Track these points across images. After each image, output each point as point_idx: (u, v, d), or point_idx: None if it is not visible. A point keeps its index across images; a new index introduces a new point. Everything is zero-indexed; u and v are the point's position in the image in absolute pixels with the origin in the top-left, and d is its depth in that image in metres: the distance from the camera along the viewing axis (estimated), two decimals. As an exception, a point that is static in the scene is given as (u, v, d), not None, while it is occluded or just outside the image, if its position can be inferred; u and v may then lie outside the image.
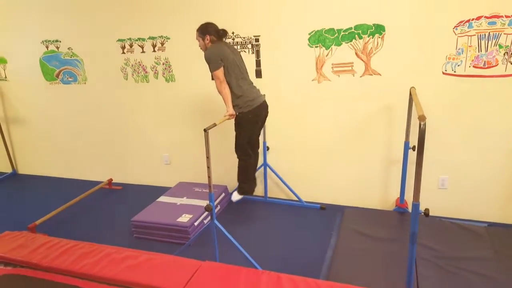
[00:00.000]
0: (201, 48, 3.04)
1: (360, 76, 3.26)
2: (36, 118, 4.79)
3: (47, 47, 4.33)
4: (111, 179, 4.50)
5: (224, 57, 2.86)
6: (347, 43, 3.21)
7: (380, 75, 3.20)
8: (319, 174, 3.68)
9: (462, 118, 3.08)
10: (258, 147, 3.39)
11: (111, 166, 4.60)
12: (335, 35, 3.22)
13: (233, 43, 3.55)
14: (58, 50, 4.30)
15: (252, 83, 3.13)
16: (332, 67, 3.31)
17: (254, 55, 3.52)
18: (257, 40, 3.47)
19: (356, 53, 3.22)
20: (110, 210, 3.93)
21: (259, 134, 3.36)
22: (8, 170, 5.16)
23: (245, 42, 3.51)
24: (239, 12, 3.45)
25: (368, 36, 3.14)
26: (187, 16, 3.62)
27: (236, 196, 3.41)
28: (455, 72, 2.99)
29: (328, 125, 3.49)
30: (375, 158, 3.44)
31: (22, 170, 5.18)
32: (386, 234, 2.96)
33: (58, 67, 4.38)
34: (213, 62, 2.84)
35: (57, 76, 4.43)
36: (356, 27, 3.15)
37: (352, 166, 3.54)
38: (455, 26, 2.89)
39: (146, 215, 3.36)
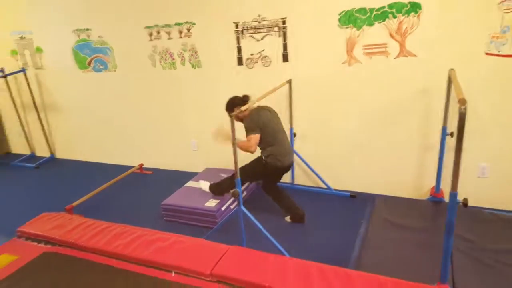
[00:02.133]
0: (239, 121, 3.07)
1: (394, 58, 3.12)
2: (71, 105, 4.95)
3: (78, 36, 4.43)
4: (142, 164, 4.60)
5: (264, 125, 2.98)
6: (380, 23, 3.08)
7: (416, 56, 3.05)
8: (349, 161, 3.59)
9: (506, 102, 2.89)
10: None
11: (141, 151, 4.69)
12: (367, 15, 3.09)
13: (258, 26, 3.48)
14: (89, 38, 4.39)
15: (287, 145, 3.14)
16: (363, 49, 3.19)
17: (281, 38, 3.44)
18: (284, 22, 3.39)
19: (389, 33, 3.07)
20: (141, 194, 4.03)
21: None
22: (47, 154, 5.39)
23: (272, 25, 3.44)
24: (265, -8, 3.37)
25: (403, 15, 2.99)
26: (211, 0, 3.58)
27: (204, 186, 3.49)
28: (499, 52, 2.79)
29: (358, 109, 3.39)
30: (409, 144, 3.31)
31: (60, 154, 5.40)
32: (419, 224, 2.86)
33: (90, 55, 4.48)
34: (251, 130, 2.95)
35: (89, 64, 4.53)
36: (390, 5, 3.00)
37: (384, 153, 3.43)
38: (500, 1, 2.69)
39: (175, 199, 3.41)
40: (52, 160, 5.35)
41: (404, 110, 3.23)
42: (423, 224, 2.86)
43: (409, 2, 2.93)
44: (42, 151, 5.46)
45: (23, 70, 4.94)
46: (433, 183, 3.24)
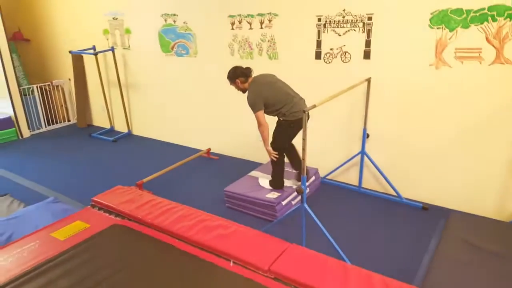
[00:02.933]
0: (239, 90, 3.28)
1: (489, 65, 2.83)
2: (150, 85, 5.23)
3: (165, 20, 4.63)
4: (209, 149, 4.74)
5: (265, 97, 3.11)
6: (477, 25, 2.80)
7: (515, 64, 2.74)
8: (425, 171, 3.36)
9: None
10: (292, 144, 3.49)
11: (211, 136, 4.83)
12: (463, 16, 2.83)
13: (342, 21, 3.35)
14: (174, 23, 4.57)
15: (297, 98, 3.20)
16: (455, 52, 2.94)
17: (364, 34, 3.29)
18: (369, 18, 3.23)
19: (486, 38, 2.79)
20: (206, 178, 4.16)
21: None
22: (124, 130, 5.78)
23: (356, 21, 3.29)
24: (353, -13, 3.24)
25: (505, 19, 2.69)
26: (298, -8, 3.53)
27: (266, 185, 3.46)
28: None
29: (442, 117, 3.14)
30: (495, 160, 3.01)
31: (136, 131, 5.76)
32: (499, 248, 2.58)
33: (174, 39, 4.67)
34: (254, 106, 3.11)
35: (172, 48, 4.73)
36: (491, 8, 2.72)
37: (466, 166, 3.15)
38: None
39: (238, 187, 3.46)
40: (129, 135, 5.72)
41: (494, 122, 2.93)
42: (503, 249, 2.58)
43: (515, 5, 2.63)
44: (121, 126, 5.86)
45: (112, 49, 5.31)
46: (519, 206, 2.93)
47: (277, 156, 3.27)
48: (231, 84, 3.26)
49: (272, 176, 3.44)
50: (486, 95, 2.91)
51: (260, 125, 3.13)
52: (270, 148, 3.26)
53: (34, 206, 3.23)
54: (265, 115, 3.16)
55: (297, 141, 3.17)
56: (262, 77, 3.26)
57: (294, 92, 3.25)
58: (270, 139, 3.28)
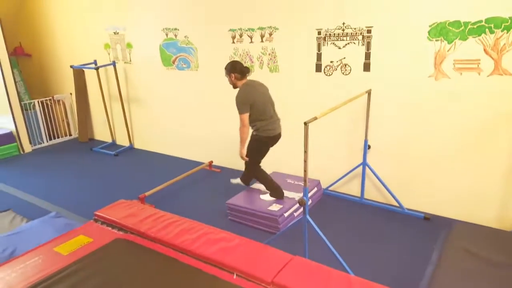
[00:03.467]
0: (230, 84, 3.37)
1: (487, 76, 2.87)
2: (152, 99, 5.27)
3: (166, 34, 4.70)
4: (211, 162, 4.75)
5: (253, 101, 3.20)
6: (475, 37, 2.85)
7: (513, 75, 2.78)
8: (426, 181, 3.37)
9: None
10: None
11: (212, 149, 4.84)
12: (461, 28, 2.88)
13: (342, 34, 3.41)
14: (176, 38, 4.63)
15: (275, 117, 3.39)
16: (453, 64, 2.97)
17: (364, 47, 3.34)
18: (369, 31, 3.28)
19: (484, 49, 2.84)
20: (208, 190, 4.16)
21: None
22: (126, 143, 5.80)
23: (356, 33, 3.34)
24: (351, 0, 3.29)
25: (502, 31, 2.74)
26: (296, 6, 3.58)
27: (267, 198, 3.50)
28: None
29: (443, 127, 3.16)
30: (496, 169, 3.02)
31: (138, 145, 5.78)
32: (502, 257, 2.58)
33: (175, 53, 4.73)
34: (241, 107, 3.21)
35: (173, 62, 4.78)
36: (488, 20, 2.77)
37: (467, 176, 3.17)
38: None
39: (240, 200, 3.47)
40: (131, 149, 5.74)
41: (494, 132, 2.96)
42: (505, 258, 2.58)
43: (510, 17, 2.68)
44: (122, 140, 5.88)
45: (113, 64, 5.37)
46: (522, 215, 2.93)
47: (246, 159, 3.44)
48: (226, 74, 3.34)
49: (266, 188, 3.54)
50: (485, 106, 2.94)
51: (244, 126, 3.23)
52: (244, 152, 3.38)
53: (36, 221, 3.22)
54: None
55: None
56: (257, 84, 3.35)
57: (275, 111, 3.41)
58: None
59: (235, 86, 3.34)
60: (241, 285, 2.00)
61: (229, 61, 4.23)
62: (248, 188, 3.72)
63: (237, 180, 3.76)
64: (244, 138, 3.29)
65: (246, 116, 3.21)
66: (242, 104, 3.19)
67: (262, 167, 3.55)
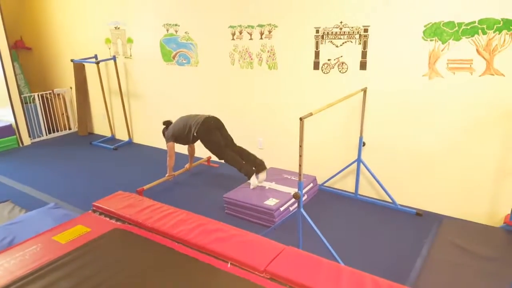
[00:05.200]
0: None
1: (479, 76, 2.93)
2: (151, 94, 5.32)
3: (167, 30, 4.75)
4: (209, 157, 4.80)
5: (175, 132, 3.99)
6: (468, 38, 2.91)
7: (504, 76, 2.84)
8: (419, 178, 3.44)
9: None
10: (234, 144, 3.96)
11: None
12: (455, 29, 2.94)
13: (339, 33, 3.46)
14: (176, 33, 4.68)
15: (196, 118, 3.88)
16: (447, 63, 3.04)
17: (360, 45, 3.40)
18: (366, 30, 3.34)
19: (477, 50, 2.90)
20: (206, 185, 4.22)
21: (228, 138, 3.93)
22: (125, 138, 5.85)
23: (353, 32, 3.40)
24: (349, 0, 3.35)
25: (494, 32, 2.80)
26: (296, 5, 3.64)
27: (252, 183, 3.66)
28: None
29: (435, 125, 3.23)
30: (486, 167, 3.09)
31: (137, 139, 5.83)
32: (488, 252, 2.66)
33: (175, 49, 4.78)
34: (166, 139, 4.10)
35: (174, 57, 4.84)
36: (481, 21, 2.83)
37: (458, 173, 3.23)
38: None
39: (237, 194, 3.53)
40: (130, 144, 5.79)
41: (484, 131, 3.02)
42: (493, 252, 2.65)
43: (502, 19, 2.74)
44: (121, 135, 5.93)
45: (113, 58, 5.41)
46: (509, 211, 2.99)
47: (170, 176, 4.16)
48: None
49: (239, 169, 3.76)
50: (476, 104, 3.00)
51: (169, 155, 4.06)
52: (170, 173, 4.16)
53: (35, 212, 3.27)
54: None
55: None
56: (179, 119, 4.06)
57: (196, 116, 3.92)
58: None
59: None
60: (235, 273, 2.05)
61: (228, 57, 4.31)
62: (245, 183, 3.78)
63: (253, 181, 3.69)
64: (170, 163, 4.09)
65: (170, 145, 4.01)
66: (167, 138, 4.06)
67: (231, 152, 3.84)
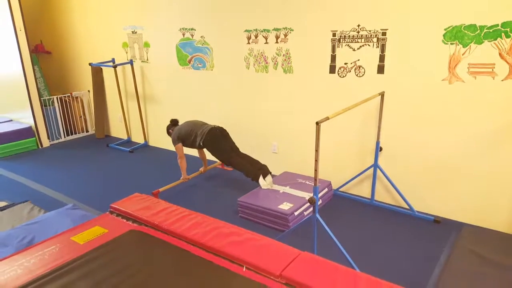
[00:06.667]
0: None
1: (502, 80, 2.87)
2: (167, 97, 5.37)
3: (183, 34, 4.79)
4: (224, 160, 4.81)
5: (180, 135, 4.07)
6: (490, 41, 2.85)
7: (528, 80, 2.77)
8: (437, 184, 3.37)
9: None
10: (239, 151, 4.05)
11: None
12: (477, 32, 2.88)
13: (357, 36, 3.44)
14: (192, 38, 4.72)
15: (204, 126, 4.03)
16: (468, 67, 2.98)
17: (378, 49, 3.36)
18: (384, 33, 3.30)
19: (500, 54, 2.83)
20: (220, 188, 4.23)
21: (234, 146, 4.04)
22: (141, 141, 5.91)
23: (370, 36, 3.37)
24: (367, 2, 3.32)
25: (519, 35, 2.74)
26: (312, 8, 3.63)
27: (261, 184, 3.74)
28: None
29: (456, 131, 3.16)
30: (507, 174, 3.01)
31: (152, 142, 5.89)
32: (509, 261, 2.58)
33: (191, 53, 4.82)
34: (173, 141, 4.13)
35: (189, 61, 4.87)
36: (504, 24, 2.77)
37: (477, 180, 3.16)
38: None
39: (251, 198, 3.52)
40: (145, 146, 5.85)
41: (506, 137, 2.95)
42: (514, 263, 2.58)
43: (528, 21, 2.68)
44: (138, 138, 6.00)
45: (130, 62, 5.49)
46: (534, 222, 2.91)
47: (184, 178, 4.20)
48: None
49: (245, 174, 3.83)
50: (498, 110, 2.93)
51: (179, 156, 4.12)
52: (185, 177, 4.21)
53: (54, 212, 3.32)
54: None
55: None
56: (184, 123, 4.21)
57: (203, 125, 4.05)
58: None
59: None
60: (251, 277, 2.04)
61: (244, 61, 4.32)
62: (259, 187, 3.77)
63: (261, 182, 3.76)
64: (182, 166, 4.16)
65: (178, 147, 4.06)
66: (173, 140, 4.10)
67: (241, 159, 3.93)
